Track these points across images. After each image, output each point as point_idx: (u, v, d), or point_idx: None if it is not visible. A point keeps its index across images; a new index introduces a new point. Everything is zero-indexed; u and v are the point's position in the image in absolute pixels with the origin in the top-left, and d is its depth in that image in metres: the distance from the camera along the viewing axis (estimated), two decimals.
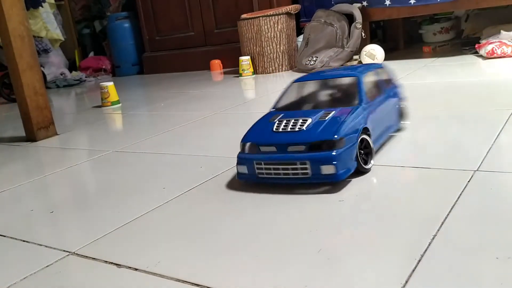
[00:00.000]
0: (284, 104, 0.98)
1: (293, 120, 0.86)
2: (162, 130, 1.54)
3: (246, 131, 0.90)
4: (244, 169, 0.88)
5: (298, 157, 0.81)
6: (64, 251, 0.74)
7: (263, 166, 0.85)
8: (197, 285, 0.59)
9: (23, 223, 0.89)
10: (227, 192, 0.89)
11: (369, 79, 0.99)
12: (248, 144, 0.88)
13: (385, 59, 2.28)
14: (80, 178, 1.16)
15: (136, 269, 0.65)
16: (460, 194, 0.74)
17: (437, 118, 1.21)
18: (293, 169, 0.82)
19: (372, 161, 0.89)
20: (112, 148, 1.38)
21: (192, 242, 0.71)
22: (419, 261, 0.57)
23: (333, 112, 0.87)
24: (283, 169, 0.83)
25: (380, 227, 0.67)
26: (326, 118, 0.85)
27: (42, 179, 1.17)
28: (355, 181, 0.85)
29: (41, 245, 0.77)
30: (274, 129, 0.86)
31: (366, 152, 0.88)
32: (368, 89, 0.96)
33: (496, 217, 0.65)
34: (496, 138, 0.97)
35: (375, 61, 2.22)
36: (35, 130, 1.63)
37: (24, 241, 0.80)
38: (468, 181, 0.78)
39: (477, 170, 0.82)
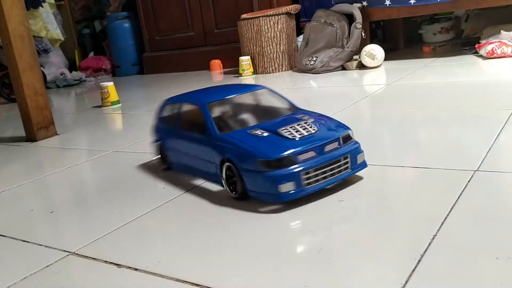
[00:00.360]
0: (228, 125, 0.91)
1: (296, 125, 0.84)
2: None
3: (248, 150, 0.79)
4: (290, 186, 0.77)
5: (340, 153, 0.81)
6: (64, 251, 0.74)
7: (311, 174, 0.78)
8: (197, 285, 0.59)
9: (23, 223, 0.89)
10: (226, 193, 0.89)
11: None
12: (280, 157, 0.77)
13: (385, 59, 2.28)
14: (80, 178, 1.16)
15: (136, 269, 0.65)
16: (460, 194, 0.74)
17: (437, 118, 1.21)
18: (338, 166, 0.81)
19: None
20: (112, 148, 1.38)
21: (192, 242, 0.71)
22: (419, 261, 0.57)
23: (309, 115, 0.90)
24: (330, 169, 0.80)
25: (380, 227, 0.67)
26: (314, 119, 0.88)
27: (42, 179, 1.17)
28: (354, 181, 0.85)
29: (41, 245, 0.77)
30: (290, 137, 0.81)
31: None
32: None
33: (496, 217, 0.65)
34: (496, 138, 0.97)
35: (375, 61, 2.22)
36: (35, 130, 1.63)
37: (24, 241, 0.80)
38: (468, 181, 0.78)
39: (477, 170, 0.82)
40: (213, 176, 0.90)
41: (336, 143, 0.82)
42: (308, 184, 0.78)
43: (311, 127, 0.83)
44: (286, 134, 0.81)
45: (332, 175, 0.81)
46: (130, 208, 0.89)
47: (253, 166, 0.78)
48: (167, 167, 1.08)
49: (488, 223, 0.64)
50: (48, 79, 3.53)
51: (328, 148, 0.81)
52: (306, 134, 0.81)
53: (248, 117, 0.94)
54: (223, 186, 0.88)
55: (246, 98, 0.99)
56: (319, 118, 0.89)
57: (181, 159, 1.01)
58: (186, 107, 0.97)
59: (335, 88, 1.94)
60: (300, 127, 0.83)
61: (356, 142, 0.85)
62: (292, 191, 0.77)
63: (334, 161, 0.81)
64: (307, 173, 0.78)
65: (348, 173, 0.83)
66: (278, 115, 0.93)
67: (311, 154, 0.79)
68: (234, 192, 0.85)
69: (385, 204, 0.75)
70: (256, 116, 0.94)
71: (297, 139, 0.80)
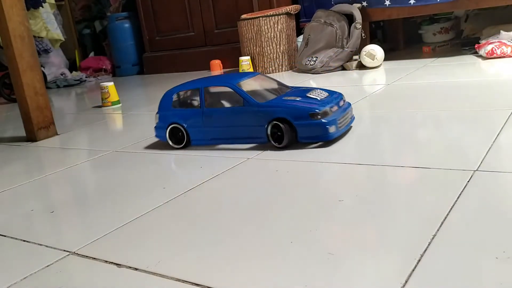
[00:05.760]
0: (263, 96, 1.16)
1: (312, 93, 1.15)
2: None
3: (301, 107, 1.08)
4: (333, 129, 1.09)
5: (347, 106, 1.19)
6: (64, 251, 0.74)
7: (340, 120, 1.11)
8: (197, 285, 0.59)
9: (23, 223, 0.89)
10: (226, 193, 0.89)
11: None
12: (324, 110, 1.09)
13: (385, 59, 2.28)
14: (80, 178, 1.16)
15: (136, 269, 0.65)
16: (460, 194, 0.74)
17: (437, 118, 1.21)
18: (348, 115, 1.18)
19: None
20: (112, 148, 1.38)
21: (192, 242, 0.71)
22: (419, 261, 0.57)
23: (305, 88, 1.21)
24: (345, 118, 1.15)
25: (380, 227, 0.67)
26: (314, 90, 1.19)
27: (42, 179, 1.17)
28: (355, 181, 0.85)
29: (41, 245, 0.78)
30: (318, 98, 1.12)
31: None
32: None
33: (496, 217, 0.65)
34: (496, 138, 0.97)
35: (375, 61, 2.22)
36: (35, 130, 1.63)
37: (24, 241, 0.80)
38: (468, 181, 0.78)
39: (477, 170, 0.82)
40: (256, 137, 1.13)
41: (343, 100, 1.16)
42: (339, 127, 1.09)
43: (321, 93, 1.14)
44: (315, 96, 1.11)
45: (345, 122, 1.13)
46: (130, 208, 0.89)
47: (305, 119, 1.06)
48: (183, 146, 1.24)
49: (488, 223, 0.64)
50: (48, 79, 3.53)
51: (341, 103, 1.14)
52: (323, 97, 1.12)
53: (266, 92, 1.18)
54: (267, 142, 1.12)
55: (252, 81, 1.21)
56: (313, 89, 1.18)
57: (210, 133, 1.19)
58: (211, 90, 1.20)
59: (335, 88, 1.93)
60: (315, 94, 1.13)
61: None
62: (335, 132, 1.07)
63: (347, 112, 1.15)
64: (339, 120, 1.09)
65: (351, 120, 1.18)
66: (285, 90, 1.21)
67: (336, 108, 1.11)
68: (279, 143, 1.09)
69: (385, 204, 0.75)
70: (272, 91, 1.19)
71: (319, 99, 1.10)
